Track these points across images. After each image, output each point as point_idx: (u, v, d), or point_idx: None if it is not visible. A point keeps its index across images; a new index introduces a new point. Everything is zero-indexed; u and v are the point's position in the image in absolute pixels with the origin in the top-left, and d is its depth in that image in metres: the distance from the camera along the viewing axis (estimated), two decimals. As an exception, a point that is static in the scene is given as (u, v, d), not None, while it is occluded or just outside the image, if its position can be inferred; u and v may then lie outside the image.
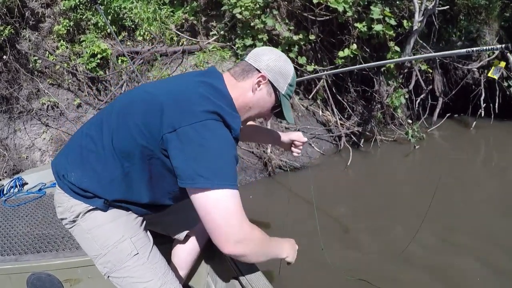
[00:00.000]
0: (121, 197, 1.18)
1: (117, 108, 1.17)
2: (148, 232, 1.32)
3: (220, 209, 0.96)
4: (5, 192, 2.31)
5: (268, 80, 1.17)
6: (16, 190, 2.34)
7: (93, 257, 1.23)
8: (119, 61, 4.37)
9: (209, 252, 1.74)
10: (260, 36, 4.39)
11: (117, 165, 1.12)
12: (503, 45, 1.30)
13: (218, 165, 0.97)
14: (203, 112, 0.99)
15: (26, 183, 2.45)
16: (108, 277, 1.23)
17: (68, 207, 1.20)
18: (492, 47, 1.39)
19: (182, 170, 0.97)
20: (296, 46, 4.61)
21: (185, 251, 1.61)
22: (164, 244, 1.57)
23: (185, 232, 1.56)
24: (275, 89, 1.20)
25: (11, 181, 2.38)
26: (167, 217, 1.50)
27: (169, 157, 1.00)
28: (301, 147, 1.63)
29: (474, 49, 1.40)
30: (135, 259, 1.20)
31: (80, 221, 1.20)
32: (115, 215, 1.22)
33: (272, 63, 1.18)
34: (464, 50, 1.41)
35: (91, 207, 1.19)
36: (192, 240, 1.62)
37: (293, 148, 1.65)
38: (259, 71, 1.17)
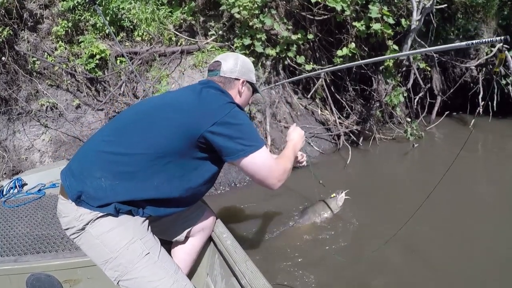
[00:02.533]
0: (153, 195, 1.25)
1: (140, 113, 1.31)
2: (154, 234, 1.34)
3: (265, 165, 1.28)
4: (4, 193, 2.31)
5: (246, 80, 1.51)
6: (16, 191, 2.34)
7: (102, 263, 1.24)
8: (118, 61, 4.37)
9: (209, 252, 1.75)
10: (258, 36, 4.39)
11: (151, 165, 1.22)
12: (502, 37, 1.32)
13: (254, 133, 1.28)
14: (228, 103, 1.27)
15: (26, 184, 2.45)
16: (118, 282, 1.23)
17: (76, 216, 1.22)
18: (491, 39, 1.40)
19: (233, 148, 1.23)
20: (295, 46, 4.62)
21: (185, 252, 1.62)
22: (164, 244, 1.57)
23: (184, 234, 1.57)
24: (250, 83, 1.55)
25: (11, 182, 2.38)
26: (166, 221, 1.51)
27: (215, 144, 1.23)
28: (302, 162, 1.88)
29: (474, 41, 1.42)
30: (146, 259, 1.23)
31: (89, 228, 1.22)
32: (123, 220, 1.24)
33: (243, 68, 1.50)
34: (464, 43, 1.43)
35: (101, 214, 1.22)
36: (191, 241, 1.63)
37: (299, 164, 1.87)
38: (238, 79, 1.48)
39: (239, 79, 1.48)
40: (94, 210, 1.21)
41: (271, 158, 1.31)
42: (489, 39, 1.40)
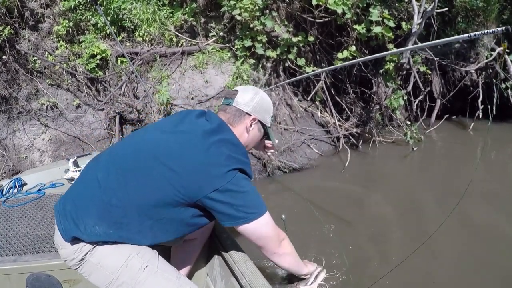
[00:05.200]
0: (147, 243, 1.26)
1: (140, 160, 1.23)
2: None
3: (268, 230, 1.30)
4: (4, 192, 2.30)
5: (258, 119, 1.40)
6: (15, 190, 2.34)
7: (107, 286, 1.25)
8: (119, 61, 4.37)
9: (208, 252, 1.75)
10: (259, 38, 4.40)
11: (145, 218, 1.21)
12: (503, 28, 1.32)
13: (256, 200, 1.26)
14: (232, 170, 1.21)
15: (25, 184, 2.44)
16: None
17: (74, 249, 1.23)
18: (493, 30, 1.40)
19: (234, 215, 1.21)
20: (295, 48, 4.62)
21: (185, 252, 1.62)
22: (163, 245, 1.57)
23: (184, 237, 1.57)
24: (263, 125, 1.45)
25: (10, 181, 2.38)
26: None
27: (213, 210, 1.22)
28: (272, 150, 1.75)
29: (476, 33, 1.43)
30: (147, 271, 1.23)
31: (88, 257, 1.23)
32: (118, 242, 1.25)
33: (258, 105, 1.40)
34: (467, 35, 1.44)
35: (98, 242, 1.23)
36: (191, 242, 1.63)
37: (267, 150, 1.73)
38: (249, 115, 1.38)
39: (251, 115, 1.38)
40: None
41: (274, 226, 1.31)
42: (491, 30, 1.40)
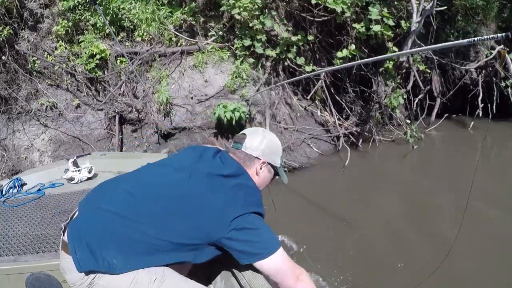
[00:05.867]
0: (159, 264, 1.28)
1: (163, 203, 1.27)
2: None
3: (283, 265, 1.29)
4: (4, 192, 2.30)
5: (267, 162, 1.44)
6: (15, 190, 2.33)
7: None
8: (118, 61, 4.37)
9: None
10: (258, 37, 4.40)
11: (165, 254, 1.25)
12: (503, 34, 1.32)
13: (271, 236, 1.29)
14: (248, 213, 1.27)
15: (25, 184, 2.44)
16: None
17: (82, 275, 1.22)
18: (493, 36, 1.40)
19: (251, 251, 1.25)
20: (295, 47, 4.62)
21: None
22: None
23: None
24: (273, 166, 1.48)
25: (10, 181, 2.37)
26: None
27: (231, 249, 1.27)
28: None
29: (476, 38, 1.43)
30: (156, 283, 1.24)
31: (97, 280, 1.23)
32: None
33: (267, 148, 1.45)
34: (466, 40, 1.44)
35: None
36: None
37: None
38: (259, 159, 1.43)
39: (260, 159, 1.43)
40: None
41: (289, 260, 1.32)
42: (490, 36, 1.40)
